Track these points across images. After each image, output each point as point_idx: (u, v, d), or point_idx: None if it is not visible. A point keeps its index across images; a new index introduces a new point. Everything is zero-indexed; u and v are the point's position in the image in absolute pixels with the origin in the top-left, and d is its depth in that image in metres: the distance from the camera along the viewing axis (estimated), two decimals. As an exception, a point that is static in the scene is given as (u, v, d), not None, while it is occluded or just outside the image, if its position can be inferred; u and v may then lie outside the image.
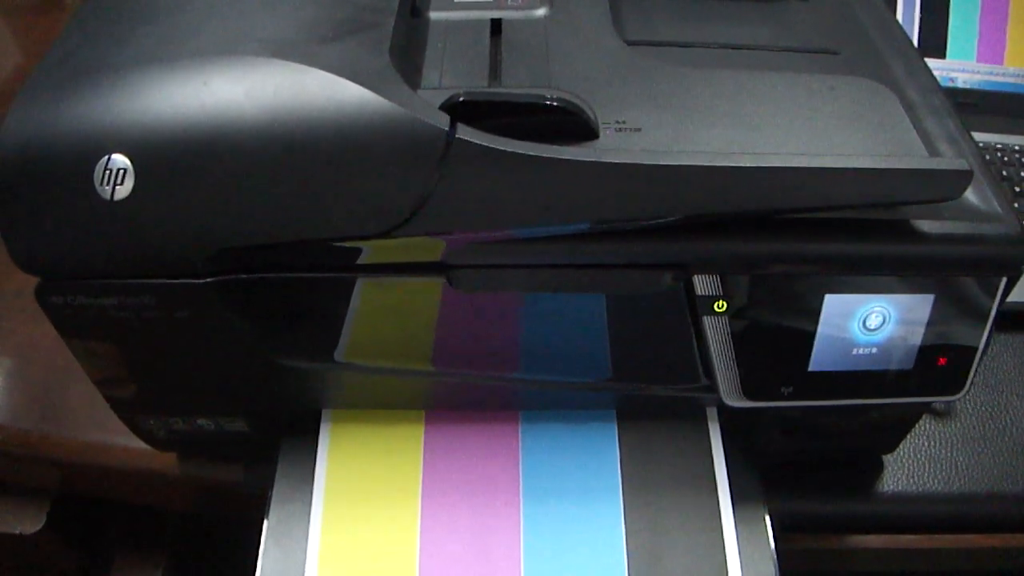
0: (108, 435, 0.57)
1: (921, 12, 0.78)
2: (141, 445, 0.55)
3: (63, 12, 0.89)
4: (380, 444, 0.52)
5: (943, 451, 0.59)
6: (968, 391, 0.48)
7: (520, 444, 0.52)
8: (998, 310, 0.45)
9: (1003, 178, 0.73)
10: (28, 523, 0.62)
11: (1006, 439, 0.60)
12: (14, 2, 0.91)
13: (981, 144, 0.74)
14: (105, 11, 0.45)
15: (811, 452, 0.57)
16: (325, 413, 0.53)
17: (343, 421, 0.53)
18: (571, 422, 0.53)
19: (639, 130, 0.42)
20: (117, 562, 0.69)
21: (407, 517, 0.50)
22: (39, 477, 0.62)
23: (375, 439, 0.52)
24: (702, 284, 0.43)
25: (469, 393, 0.52)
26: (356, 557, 0.48)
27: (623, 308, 0.45)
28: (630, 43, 0.48)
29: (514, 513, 0.50)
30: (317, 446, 0.52)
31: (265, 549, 0.49)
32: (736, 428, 0.53)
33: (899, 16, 0.77)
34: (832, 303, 0.44)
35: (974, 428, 0.61)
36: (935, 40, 0.78)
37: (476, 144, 0.38)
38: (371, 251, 0.41)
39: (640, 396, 0.51)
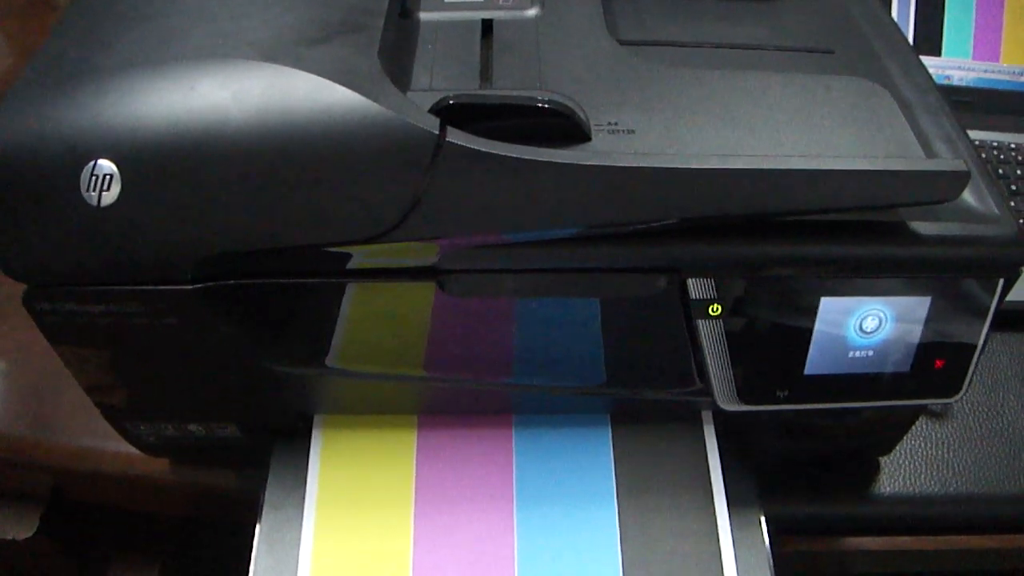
0: (101, 440, 0.57)
1: (916, 9, 0.77)
2: (133, 450, 0.54)
3: (54, 14, 0.89)
4: (373, 449, 0.52)
5: (940, 452, 0.59)
6: (965, 393, 0.47)
7: (514, 449, 0.52)
8: (995, 311, 0.44)
9: (999, 176, 0.73)
10: (21, 529, 0.61)
11: (1003, 440, 0.60)
12: (4, 4, 0.90)
13: (977, 142, 0.74)
14: (92, 14, 0.45)
15: (807, 454, 0.56)
16: (317, 418, 0.53)
17: (335, 426, 0.52)
18: (565, 427, 0.52)
19: (632, 132, 0.41)
20: (111, 568, 0.68)
21: (400, 523, 0.49)
22: (32, 483, 0.62)
23: (367, 444, 0.52)
24: (696, 288, 0.43)
25: (462, 398, 0.51)
26: (349, 563, 0.48)
27: (617, 312, 0.44)
28: (623, 43, 0.48)
29: (508, 519, 0.50)
30: (309, 451, 0.52)
31: (257, 554, 0.48)
32: (731, 431, 0.52)
33: (894, 13, 0.77)
34: (828, 306, 0.43)
35: (971, 429, 0.61)
36: (931, 37, 0.77)
37: (466, 147, 0.38)
38: (361, 256, 0.41)
39: (635, 400, 0.50)
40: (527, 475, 0.51)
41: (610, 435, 0.52)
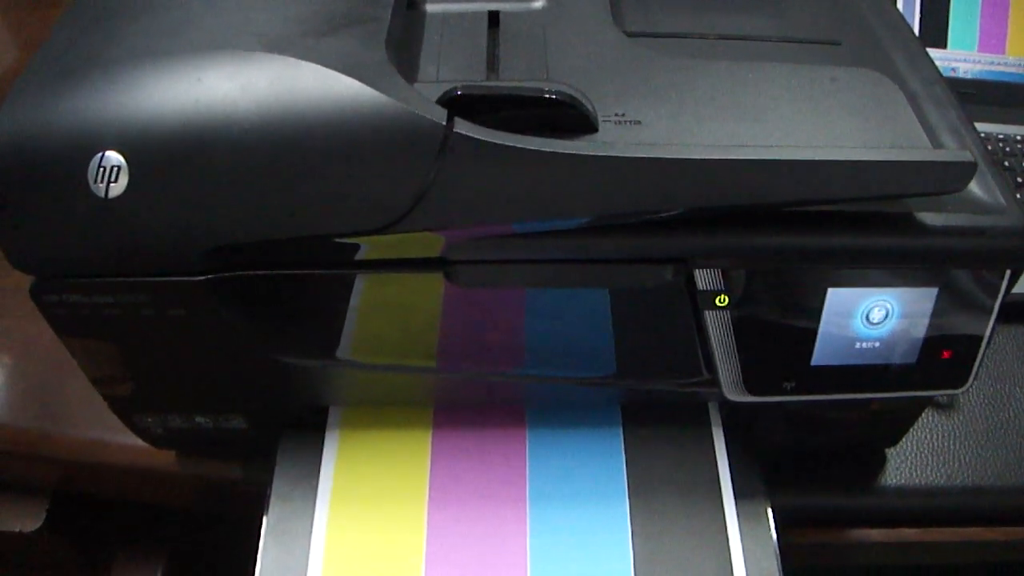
0: (107, 433, 0.57)
1: (922, 1, 0.77)
2: (140, 442, 0.55)
3: (57, 8, 0.88)
4: (388, 445, 0.52)
5: (946, 444, 0.59)
6: (972, 384, 0.47)
7: (527, 447, 0.52)
8: (1002, 302, 0.44)
9: (1005, 168, 0.73)
10: (28, 521, 0.61)
11: (1009, 432, 0.60)
12: (8, -1, 0.90)
13: (982, 135, 0.73)
14: (97, 7, 0.45)
15: (813, 446, 0.56)
16: (333, 412, 0.53)
17: (351, 421, 0.53)
18: (577, 425, 0.53)
19: (639, 123, 0.41)
20: (117, 559, 0.68)
21: (414, 519, 0.49)
22: (38, 475, 0.62)
23: (383, 440, 0.52)
24: (703, 278, 0.43)
25: (474, 390, 0.51)
26: (362, 556, 0.48)
27: (625, 303, 0.44)
28: (629, 35, 0.48)
29: (520, 516, 0.50)
30: (323, 444, 0.52)
31: (264, 545, 0.48)
32: (738, 423, 0.52)
33: (900, 5, 0.77)
34: (835, 297, 0.43)
35: (977, 421, 0.61)
36: (936, 30, 0.77)
37: (474, 138, 0.38)
38: (369, 247, 0.41)
39: (644, 392, 0.50)
40: (540, 474, 0.51)
41: (621, 433, 0.52)
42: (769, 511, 0.50)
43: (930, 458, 0.58)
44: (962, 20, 0.77)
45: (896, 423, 0.55)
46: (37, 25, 0.87)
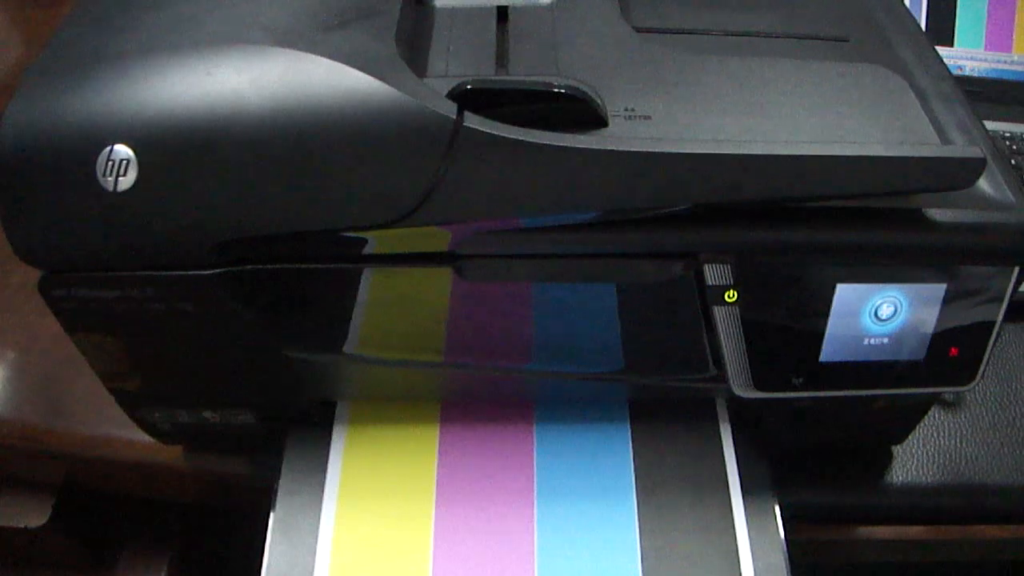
0: (113, 428, 0.57)
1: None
2: (146, 438, 0.55)
3: (64, 4, 0.89)
4: (395, 441, 0.52)
5: (952, 442, 0.59)
6: (979, 382, 0.47)
7: (535, 444, 0.52)
8: (1010, 300, 0.44)
9: (1012, 167, 0.73)
10: (33, 517, 0.61)
11: (1015, 430, 0.60)
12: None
13: (990, 132, 0.73)
14: (106, 1, 0.45)
15: (820, 443, 0.56)
16: (341, 407, 0.53)
17: (359, 417, 0.53)
18: (585, 422, 0.53)
19: (649, 118, 0.41)
20: (123, 555, 0.68)
21: (421, 515, 0.49)
22: (44, 471, 0.62)
23: (390, 436, 0.52)
24: (712, 273, 0.43)
25: (482, 385, 0.51)
26: (369, 552, 0.48)
27: (633, 298, 0.44)
28: (638, 30, 0.48)
29: (528, 512, 0.50)
30: (330, 439, 0.52)
31: (272, 542, 0.48)
32: (746, 419, 0.52)
33: (907, 3, 0.77)
34: (844, 293, 0.43)
35: (983, 419, 0.60)
36: (943, 28, 0.77)
37: (484, 132, 0.38)
38: (378, 241, 0.41)
39: (651, 387, 0.50)
40: (547, 470, 0.51)
41: (629, 429, 0.52)
42: (776, 508, 0.50)
43: (936, 456, 0.58)
44: (969, 18, 0.77)
45: (903, 420, 0.55)
46: (44, 21, 0.87)
